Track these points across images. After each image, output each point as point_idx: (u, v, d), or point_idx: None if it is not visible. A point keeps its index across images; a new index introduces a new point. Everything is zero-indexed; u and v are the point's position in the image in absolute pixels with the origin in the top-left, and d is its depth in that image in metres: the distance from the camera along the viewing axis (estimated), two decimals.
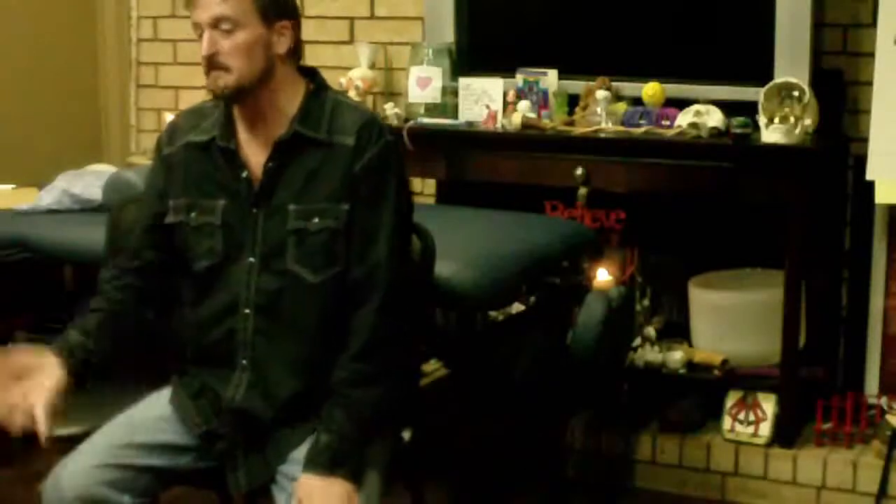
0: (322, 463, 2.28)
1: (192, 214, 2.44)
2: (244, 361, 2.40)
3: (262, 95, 2.38)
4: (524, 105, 3.70)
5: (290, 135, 2.38)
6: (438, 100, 3.89)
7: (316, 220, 2.36)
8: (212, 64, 2.33)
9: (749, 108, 3.49)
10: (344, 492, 2.26)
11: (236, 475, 2.40)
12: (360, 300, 2.35)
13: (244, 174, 2.41)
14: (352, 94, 3.99)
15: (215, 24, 2.32)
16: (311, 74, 2.47)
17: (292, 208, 2.37)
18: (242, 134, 2.43)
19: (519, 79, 3.78)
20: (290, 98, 2.41)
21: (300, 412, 2.38)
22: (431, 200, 4.22)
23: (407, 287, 2.41)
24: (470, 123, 3.79)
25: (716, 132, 3.51)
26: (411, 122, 3.83)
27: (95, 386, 3.00)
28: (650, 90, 3.65)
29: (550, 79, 3.76)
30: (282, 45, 2.38)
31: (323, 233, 2.36)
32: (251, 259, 2.39)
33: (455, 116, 3.83)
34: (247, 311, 2.40)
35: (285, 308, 2.38)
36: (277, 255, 2.37)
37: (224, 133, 2.43)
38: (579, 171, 3.60)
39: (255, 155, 2.41)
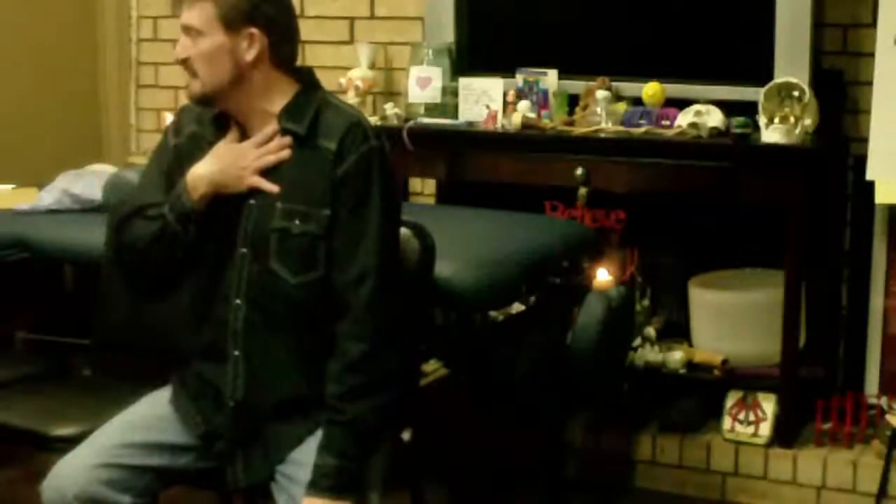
0: (328, 487, 2.28)
1: None
2: (236, 352, 2.40)
3: (239, 100, 2.38)
4: (524, 105, 3.70)
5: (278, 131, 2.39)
6: (438, 100, 3.88)
7: (297, 222, 2.36)
8: (185, 68, 2.38)
9: (749, 108, 3.49)
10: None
11: (235, 471, 2.41)
12: (349, 308, 2.34)
13: None
14: (351, 94, 3.99)
15: (186, 30, 2.36)
16: (303, 74, 2.45)
17: (279, 206, 2.37)
18: (235, 129, 2.43)
19: (519, 79, 3.78)
20: (273, 101, 2.40)
21: (297, 408, 2.38)
22: (431, 200, 4.22)
23: (398, 291, 2.39)
24: (470, 123, 3.79)
25: (716, 132, 3.51)
26: (411, 122, 3.83)
27: (95, 386, 3.01)
28: (650, 90, 3.65)
29: (550, 79, 3.76)
30: (250, 52, 2.36)
31: (304, 237, 2.35)
32: (243, 249, 2.39)
33: (455, 116, 3.83)
34: (238, 301, 2.40)
35: (272, 304, 2.38)
36: (263, 250, 2.38)
37: (218, 128, 2.44)
38: (579, 171, 3.60)
39: None
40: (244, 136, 2.42)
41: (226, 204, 2.40)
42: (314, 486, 2.29)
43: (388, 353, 2.35)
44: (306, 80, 2.45)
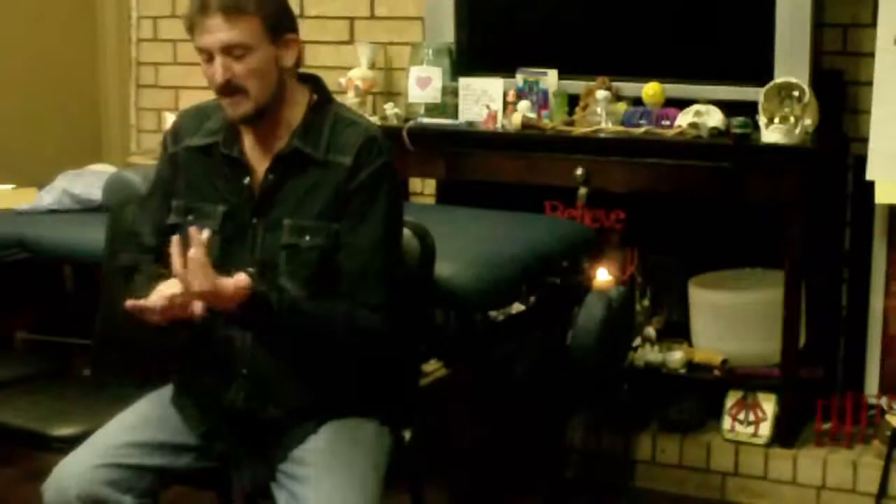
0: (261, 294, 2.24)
1: (189, 218, 2.42)
2: (244, 370, 2.39)
3: (275, 111, 2.37)
4: (524, 105, 3.70)
5: (289, 150, 2.38)
6: (438, 100, 3.88)
7: (307, 237, 2.35)
8: (228, 89, 2.31)
9: (749, 108, 3.49)
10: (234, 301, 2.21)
11: (238, 474, 2.41)
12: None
13: (246, 181, 2.40)
14: (351, 94, 4.00)
15: (226, 50, 2.29)
16: (312, 82, 2.45)
17: (287, 223, 2.36)
18: (247, 141, 2.42)
19: (519, 79, 3.78)
20: (294, 109, 2.40)
21: (302, 414, 2.38)
22: (431, 200, 4.22)
23: (395, 301, 2.38)
24: (470, 123, 3.79)
25: (716, 132, 3.51)
26: (411, 122, 3.83)
27: (95, 386, 3.01)
28: (650, 90, 3.65)
29: (550, 79, 3.76)
30: (289, 58, 2.36)
31: (314, 251, 2.35)
32: (250, 269, 2.36)
33: (455, 116, 3.83)
34: None
35: None
36: (271, 268, 2.36)
37: (228, 139, 2.42)
38: (579, 171, 3.60)
39: (258, 163, 2.41)
40: (260, 141, 2.39)
41: (227, 223, 2.39)
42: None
43: (380, 336, 2.35)
44: (320, 92, 2.44)
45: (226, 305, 2.23)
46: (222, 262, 2.35)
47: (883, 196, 3.51)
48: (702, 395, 3.74)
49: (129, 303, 2.26)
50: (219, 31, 2.28)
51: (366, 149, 2.36)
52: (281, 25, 2.34)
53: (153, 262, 2.42)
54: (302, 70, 2.45)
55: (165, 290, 2.26)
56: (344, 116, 2.43)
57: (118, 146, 4.90)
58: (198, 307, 2.23)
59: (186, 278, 2.19)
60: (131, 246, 2.53)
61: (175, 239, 2.20)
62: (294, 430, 2.38)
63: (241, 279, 2.23)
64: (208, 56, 2.31)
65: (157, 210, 2.50)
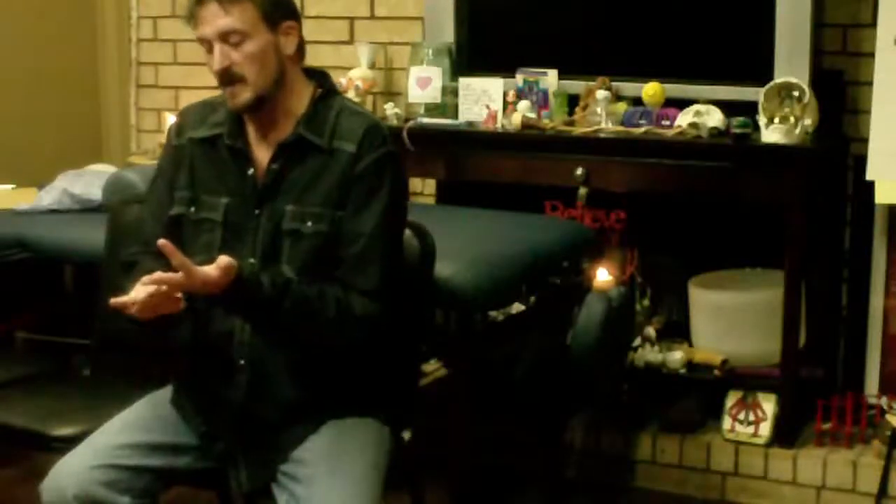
0: (244, 283, 2.25)
1: (192, 209, 2.43)
2: (241, 362, 2.39)
3: (277, 100, 2.37)
4: (524, 105, 3.70)
5: (293, 138, 2.38)
6: (438, 100, 3.89)
7: (310, 223, 2.35)
8: (227, 77, 2.33)
9: (749, 108, 3.49)
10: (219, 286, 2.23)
11: (238, 475, 2.41)
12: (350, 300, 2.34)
13: (250, 172, 2.41)
14: (351, 94, 3.99)
15: (223, 37, 2.31)
16: (319, 77, 2.46)
17: (289, 209, 2.36)
18: (251, 132, 2.42)
19: (519, 79, 3.78)
20: (298, 100, 2.40)
21: (302, 413, 2.38)
22: (431, 200, 4.22)
23: (391, 289, 2.38)
24: (470, 123, 3.79)
25: (716, 132, 3.51)
26: (411, 122, 3.83)
27: (95, 386, 3.01)
28: (650, 90, 3.65)
29: (550, 79, 3.76)
30: (289, 45, 2.37)
31: (316, 237, 2.35)
32: (252, 260, 2.37)
33: (455, 116, 3.83)
34: None
35: None
36: (274, 257, 2.37)
37: (232, 131, 2.42)
38: (579, 171, 3.60)
39: (262, 154, 2.41)
40: (264, 132, 2.40)
41: (231, 214, 2.39)
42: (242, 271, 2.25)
43: (366, 330, 2.34)
44: (327, 85, 2.45)
45: (210, 291, 2.24)
46: (225, 253, 2.34)
47: (883, 196, 3.51)
48: (702, 395, 3.74)
49: (112, 301, 2.26)
50: (214, 19, 2.30)
51: (369, 137, 2.37)
52: (277, 12, 2.35)
53: (154, 256, 2.42)
54: (310, 66, 2.46)
55: (148, 287, 2.24)
56: (349, 107, 2.45)
57: (118, 146, 4.90)
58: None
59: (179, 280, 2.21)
60: (136, 238, 2.53)
61: (162, 243, 2.20)
62: (294, 430, 2.38)
63: (222, 266, 2.22)
64: (209, 46, 2.33)
65: (158, 201, 2.50)
